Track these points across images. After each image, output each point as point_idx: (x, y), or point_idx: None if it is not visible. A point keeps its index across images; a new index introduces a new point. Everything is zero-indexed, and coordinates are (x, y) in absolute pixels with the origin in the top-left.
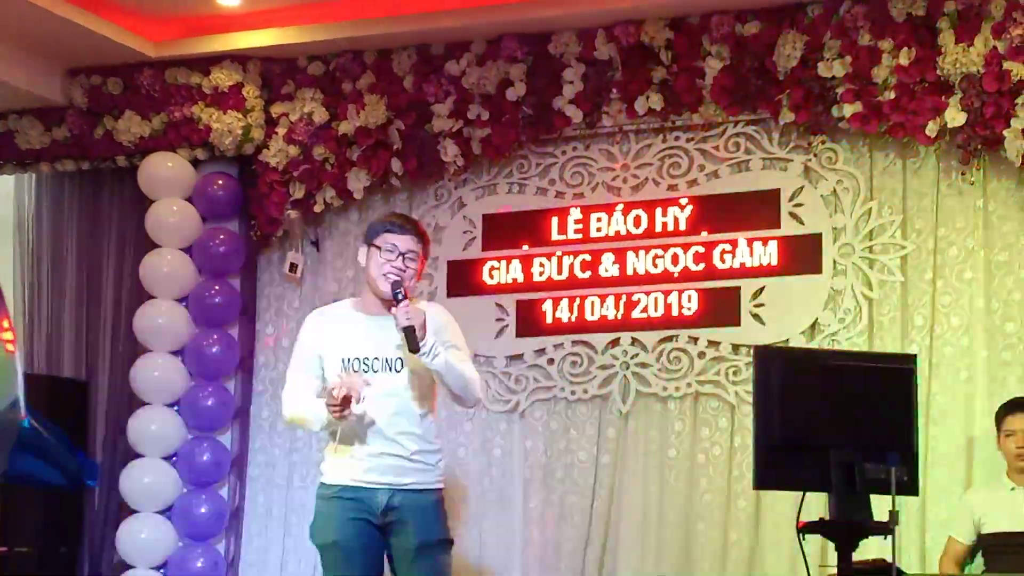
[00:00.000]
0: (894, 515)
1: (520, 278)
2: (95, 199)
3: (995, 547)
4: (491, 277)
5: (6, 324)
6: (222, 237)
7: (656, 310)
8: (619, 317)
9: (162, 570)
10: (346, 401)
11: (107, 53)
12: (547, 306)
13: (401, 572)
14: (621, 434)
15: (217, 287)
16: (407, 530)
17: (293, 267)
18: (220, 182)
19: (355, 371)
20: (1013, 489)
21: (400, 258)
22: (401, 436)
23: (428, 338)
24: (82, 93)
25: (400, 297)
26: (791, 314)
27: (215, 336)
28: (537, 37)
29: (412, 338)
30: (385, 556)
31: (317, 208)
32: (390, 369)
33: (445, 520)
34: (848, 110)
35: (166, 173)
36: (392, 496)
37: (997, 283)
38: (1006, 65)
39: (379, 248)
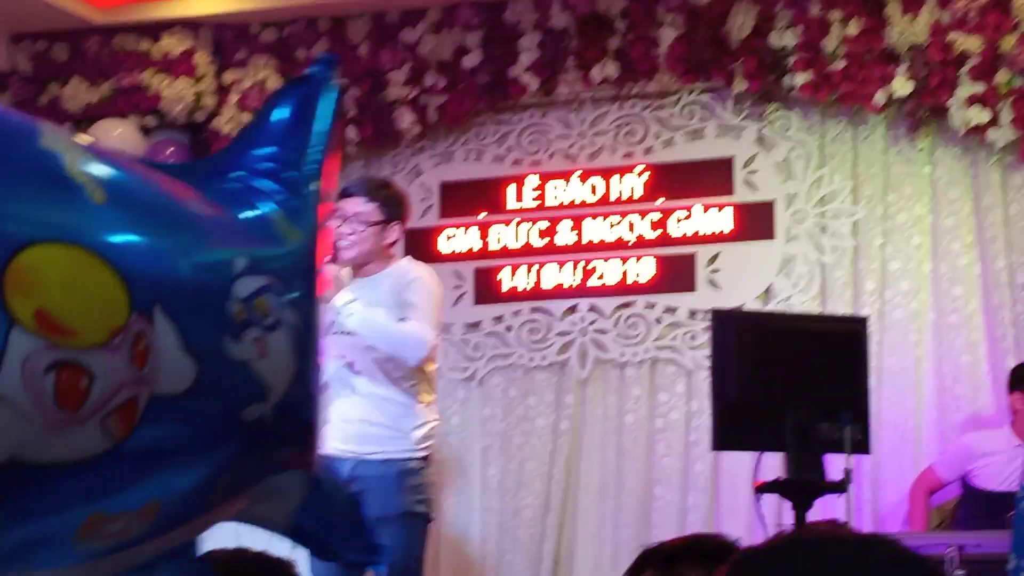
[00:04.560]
0: (848, 473)
1: (477, 246)
2: None
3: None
4: (448, 245)
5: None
6: None
7: (613, 277)
8: (576, 284)
9: None
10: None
11: (52, 18)
12: (505, 273)
13: None
14: (579, 400)
15: None
16: (366, 502)
17: None
18: (171, 150)
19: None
20: (1020, 445)
21: (344, 223)
22: (370, 400)
23: (341, 298)
24: (27, 59)
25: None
26: (746, 279)
27: None
28: (493, 5)
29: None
30: None
31: None
32: None
33: (415, 492)
34: (799, 79)
35: (115, 141)
36: (355, 466)
37: (944, 248)
38: (950, 36)
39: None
